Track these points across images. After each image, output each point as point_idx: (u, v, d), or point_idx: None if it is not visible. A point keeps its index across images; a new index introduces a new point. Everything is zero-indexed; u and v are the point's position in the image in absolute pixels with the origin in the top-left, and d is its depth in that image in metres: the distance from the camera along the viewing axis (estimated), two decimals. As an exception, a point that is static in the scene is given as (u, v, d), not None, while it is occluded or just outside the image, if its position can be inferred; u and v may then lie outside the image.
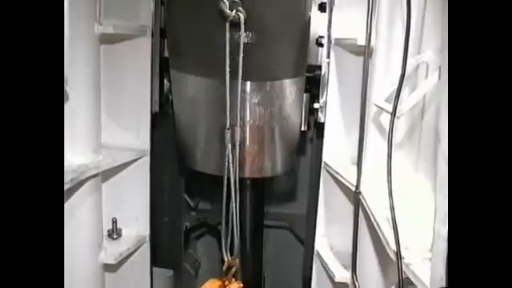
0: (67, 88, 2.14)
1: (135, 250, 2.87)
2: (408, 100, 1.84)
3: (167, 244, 3.46)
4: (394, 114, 1.77)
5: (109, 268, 2.80)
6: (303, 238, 3.49)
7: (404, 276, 1.64)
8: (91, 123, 2.52)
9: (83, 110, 2.44)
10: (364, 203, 2.09)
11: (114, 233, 2.82)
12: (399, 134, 2.12)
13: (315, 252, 2.69)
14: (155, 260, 3.08)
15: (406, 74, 1.85)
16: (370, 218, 2.01)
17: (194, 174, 3.40)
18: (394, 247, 1.65)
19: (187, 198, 3.81)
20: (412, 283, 1.62)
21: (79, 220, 2.51)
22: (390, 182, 1.72)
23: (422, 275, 1.50)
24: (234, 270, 2.33)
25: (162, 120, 2.92)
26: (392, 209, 1.67)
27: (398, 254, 1.61)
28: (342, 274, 2.43)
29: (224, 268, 2.33)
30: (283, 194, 4.04)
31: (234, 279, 2.32)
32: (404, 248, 1.64)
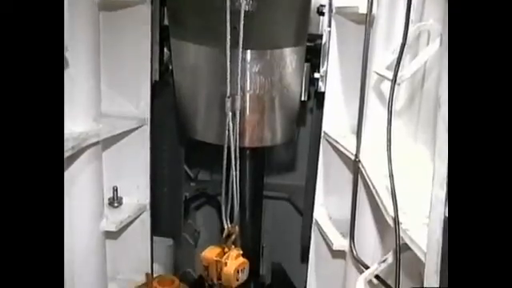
0: (67, 54, 2.12)
1: (136, 218, 2.90)
2: (409, 67, 1.84)
3: (167, 214, 3.48)
4: (394, 80, 1.77)
5: (110, 235, 2.84)
6: (302, 208, 3.52)
7: (401, 242, 1.66)
8: (91, 91, 2.52)
9: (83, 77, 2.43)
10: (363, 172, 2.11)
11: (115, 201, 2.85)
12: (399, 102, 2.13)
13: (314, 221, 2.72)
14: (155, 229, 3.11)
15: (408, 42, 1.84)
16: (368, 186, 2.03)
17: (193, 145, 3.42)
18: (392, 213, 1.67)
19: (187, 169, 3.83)
20: (409, 249, 1.65)
21: (80, 188, 2.53)
22: (389, 148, 1.73)
23: (419, 240, 1.52)
24: (233, 237, 2.36)
25: (162, 89, 2.91)
26: (391, 175, 1.68)
27: (395, 219, 1.63)
28: (340, 242, 2.47)
29: (224, 235, 2.36)
30: (283, 164, 4.07)
31: (233, 246, 2.34)
32: (402, 214, 1.66)
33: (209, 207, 4.33)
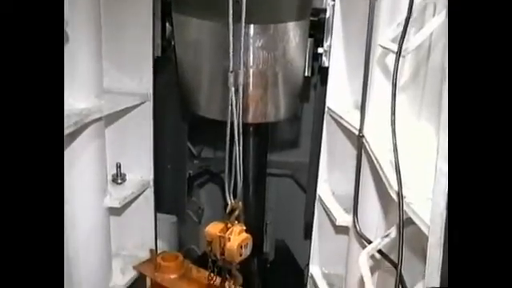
0: (67, 29, 2.10)
1: (139, 195, 2.90)
2: (414, 38, 1.81)
3: (171, 190, 3.49)
4: (399, 53, 1.75)
5: (114, 212, 2.85)
6: (305, 185, 3.52)
7: (405, 217, 1.66)
8: (92, 67, 2.50)
9: (84, 52, 2.42)
10: (367, 146, 2.09)
11: (119, 177, 2.85)
12: (404, 77, 2.10)
13: (317, 197, 2.72)
14: (159, 206, 3.12)
15: (413, 14, 1.81)
16: (372, 161, 2.02)
17: (196, 122, 3.41)
18: (396, 188, 1.67)
19: (190, 146, 3.83)
20: (412, 223, 1.64)
21: (83, 164, 2.54)
22: (393, 122, 1.72)
23: (423, 213, 1.52)
24: (236, 212, 2.35)
25: (165, 65, 2.88)
26: (395, 149, 1.67)
27: (399, 193, 1.63)
28: (344, 218, 2.47)
29: (227, 211, 2.35)
30: (286, 141, 4.05)
31: (236, 222, 2.34)
32: (406, 188, 1.66)
33: (212, 184, 4.33)
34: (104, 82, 2.64)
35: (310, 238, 2.90)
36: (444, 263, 1.23)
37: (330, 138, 2.63)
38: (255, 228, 3.31)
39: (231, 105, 2.31)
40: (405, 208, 1.60)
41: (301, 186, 4.07)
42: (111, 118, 2.72)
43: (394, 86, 1.74)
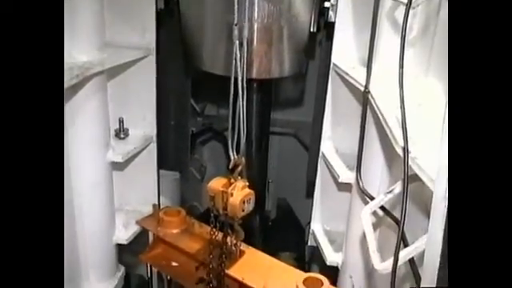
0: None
1: (142, 150, 2.90)
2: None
3: (174, 147, 3.50)
4: (409, 3, 1.70)
5: (117, 167, 2.85)
6: (308, 145, 3.52)
7: (409, 173, 1.65)
8: (94, 19, 2.45)
9: (85, 4, 2.36)
10: (372, 102, 2.06)
11: (121, 132, 2.84)
12: (412, 32, 2.05)
13: (320, 154, 2.71)
14: (162, 163, 3.12)
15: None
16: (377, 117, 2.00)
17: (200, 79, 3.38)
18: (401, 143, 1.65)
19: (193, 103, 3.81)
20: (416, 180, 1.63)
21: (86, 118, 2.52)
22: (401, 75, 1.68)
23: (428, 168, 1.50)
24: (239, 168, 2.34)
25: (168, 18, 2.83)
26: (402, 100, 1.64)
27: (405, 148, 1.61)
28: (347, 175, 2.46)
29: (230, 166, 2.35)
30: (290, 100, 4.03)
31: (239, 177, 2.34)
32: (411, 143, 1.64)
33: (215, 142, 4.34)
34: (106, 35, 2.59)
35: (312, 196, 2.91)
36: (447, 218, 1.22)
37: (334, 94, 2.60)
38: (257, 186, 3.33)
39: (235, 59, 2.27)
40: (410, 163, 1.58)
41: (304, 144, 4.07)
42: (113, 72, 2.68)
43: (403, 38, 1.70)
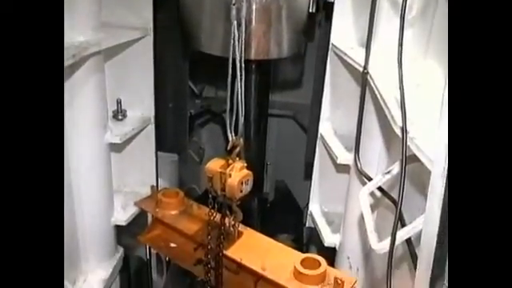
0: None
1: (140, 131, 2.89)
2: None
3: (172, 129, 3.49)
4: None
5: (115, 148, 2.85)
6: (307, 126, 3.51)
7: (407, 154, 1.65)
8: (90, -1, 2.42)
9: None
10: (371, 83, 2.06)
11: (119, 113, 2.83)
12: (412, 11, 2.03)
13: (319, 136, 2.71)
14: (160, 145, 3.12)
15: None
16: (376, 98, 1.99)
17: (198, 61, 3.36)
18: (399, 122, 1.64)
19: (192, 85, 3.79)
20: (414, 161, 1.63)
21: (83, 99, 2.50)
22: (400, 53, 1.67)
23: (426, 148, 1.50)
24: (237, 149, 2.34)
25: (165, -1, 2.80)
26: (401, 80, 1.63)
27: (403, 128, 1.60)
28: (345, 156, 2.46)
29: (228, 147, 2.34)
30: (289, 82, 4.02)
31: (237, 158, 2.33)
32: (410, 123, 1.63)
33: (214, 124, 4.33)
34: (102, 16, 2.56)
35: (311, 178, 2.91)
36: (445, 196, 1.23)
37: (333, 75, 2.59)
38: (256, 168, 3.33)
39: (233, 39, 2.25)
40: (408, 143, 1.58)
41: (302, 127, 4.07)
42: (110, 53, 2.66)
43: (403, 18, 1.68)
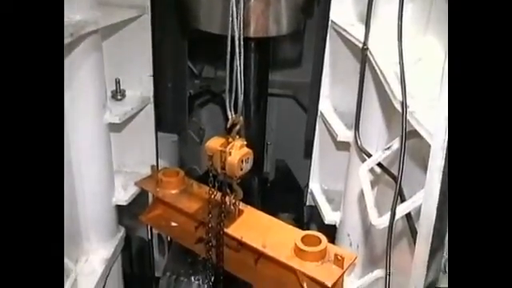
0: None
1: (140, 111, 2.88)
2: None
3: (171, 109, 3.48)
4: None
5: (114, 128, 2.84)
6: (307, 105, 3.50)
7: (407, 129, 1.64)
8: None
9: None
10: (371, 58, 2.04)
11: (118, 93, 2.82)
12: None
13: (319, 113, 2.70)
14: (160, 125, 3.11)
15: None
16: (376, 74, 1.98)
17: (197, 40, 3.33)
18: (399, 97, 1.63)
19: (191, 65, 3.77)
20: (414, 136, 1.62)
21: (81, 79, 2.49)
22: (400, 27, 1.65)
23: (426, 122, 1.50)
24: (237, 127, 2.33)
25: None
26: (400, 54, 1.62)
27: (403, 103, 1.60)
28: (345, 134, 2.46)
29: (228, 125, 2.33)
30: (288, 60, 3.99)
31: (237, 136, 2.33)
32: (409, 98, 1.63)
33: (213, 105, 4.32)
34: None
35: (311, 157, 2.91)
36: (445, 167, 1.22)
37: (333, 52, 2.57)
38: (256, 148, 3.33)
39: (232, 17, 2.23)
40: (408, 117, 1.57)
41: (302, 106, 4.05)
42: (108, 32, 2.64)
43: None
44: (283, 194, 4.03)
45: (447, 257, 1.25)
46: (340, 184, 2.65)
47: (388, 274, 1.61)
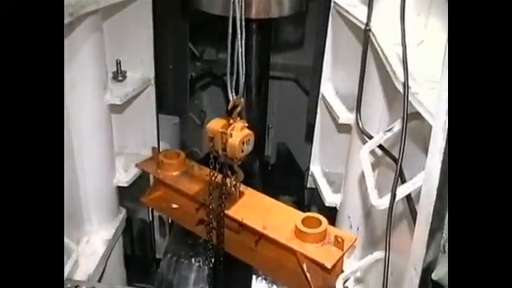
0: None
1: (141, 92, 2.88)
2: None
3: (173, 91, 3.47)
4: None
5: (115, 109, 2.84)
6: (309, 88, 3.49)
7: (409, 111, 1.63)
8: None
9: None
10: (373, 40, 2.02)
11: (119, 74, 2.81)
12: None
13: (320, 96, 2.69)
14: (161, 107, 3.11)
15: None
16: (378, 55, 1.97)
17: (198, 22, 3.31)
18: (401, 78, 1.62)
19: (192, 47, 3.75)
20: (415, 118, 1.62)
21: (82, 59, 2.48)
22: (402, 8, 1.64)
23: (428, 103, 1.49)
24: (238, 109, 2.32)
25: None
26: (403, 34, 1.60)
27: (405, 84, 1.59)
28: (346, 116, 2.45)
29: (229, 107, 2.33)
30: (291, 43, 3.97)
31: (238, 118, 2.32)
32: (411, 79, 1.62)
33: (215, 87, 4.30)
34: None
35: (312, 140, 2.91)
36: (446, 148, 1.22)
37: (335, 34, 2.55)
38: (257, 131, 3.32)
39: (233, -3, 2.21)
40: (410, 99, 1.57)
41: (304, 89, 4.04)
42: (108, 12, 2.62)
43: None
44: (284, 176, 4.03)
45: (446, 237, 1.26)
46: (341, 167, 2.65)
47: (387, 255, 1.61)
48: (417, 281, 1.30)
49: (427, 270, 1.28)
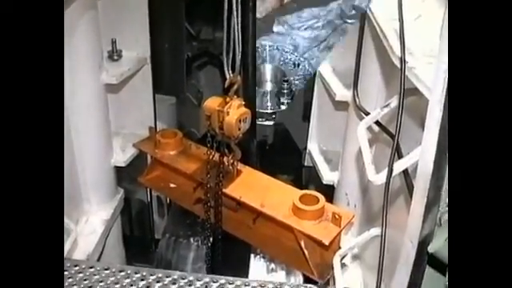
0: None
1: (137, 72, 2.86)
2: None
3: (169, 71, 3.44)
4: None
5: (111, 89, 2.82)
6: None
7: (406, 86, 1.63)
8: None
9: None
10: (371, 16, 2.01)
11: (114, 54, 2.78)
12: None
13: (317, 73, 2.68)
14: (157, 87, 3.08)
15: None
16: (375, 31, 1.96)
17: (194, 1, 3.27)
18: (398, 53, 1.62)
19: (188, 27, 3.71)
20: (412, 94, 1.61)
21: (77, 38, 2.45)
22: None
23: (425, 78, 1.48)
24: (235, 87, 2.31)
25: None
26: (400, 7, 1.59)
27: (402, 58, 1.58)
28: (343, 93, 2.44)
29: (226, 85, 2.32)
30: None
31: (235, 96, 2.31)
32: (408, 54, 1.61)
33: (212, 67, 4.26)
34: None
35: (309, 118, 2.90)
36: (443, 121, 1.22)
37: (332, 11, 2.53)
38: (254, 111, 3.31)
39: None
40: (407, 73, 1.56)
41: (301, 68, 4.01)
42: (103, -10, 2.59)
43: None
44: (282, 156, 4.02)
45: (443, 210, 1.26)
46: (338, 144, 2.66)
47: (384, 230, 1.62)
48: (413, 253, 1.31)
49: (423, 243, 1.28)
